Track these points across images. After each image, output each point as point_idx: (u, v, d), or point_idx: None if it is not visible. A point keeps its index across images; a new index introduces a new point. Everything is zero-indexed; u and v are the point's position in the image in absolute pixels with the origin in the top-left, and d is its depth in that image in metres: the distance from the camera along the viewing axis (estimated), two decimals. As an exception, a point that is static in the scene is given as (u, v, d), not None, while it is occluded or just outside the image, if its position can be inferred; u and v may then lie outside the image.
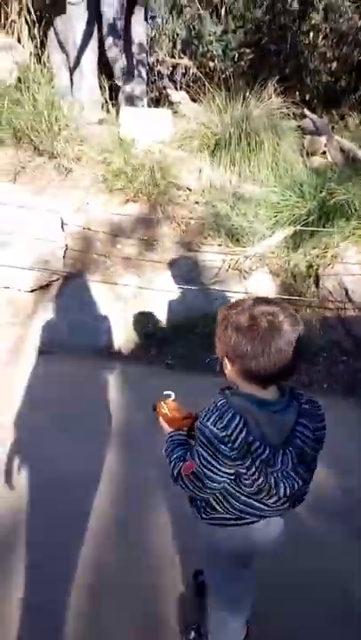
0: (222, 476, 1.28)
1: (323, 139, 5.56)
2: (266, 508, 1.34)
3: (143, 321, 3.97)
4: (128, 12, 5.63)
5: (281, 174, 4.96)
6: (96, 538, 2.24)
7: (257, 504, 1.33)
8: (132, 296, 4.10)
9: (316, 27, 7.78)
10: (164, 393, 1.54)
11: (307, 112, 5.94)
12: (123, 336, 3.89)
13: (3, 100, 5.06)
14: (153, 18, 8.41)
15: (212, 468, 1.27)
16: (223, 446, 1.23)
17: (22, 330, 3.78)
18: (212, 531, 1.44)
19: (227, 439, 1.22)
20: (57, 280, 4.12)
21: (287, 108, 5.67)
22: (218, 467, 1.26)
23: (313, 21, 7.92)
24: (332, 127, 6.08)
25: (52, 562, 2.09)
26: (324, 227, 4.23)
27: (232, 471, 1.27)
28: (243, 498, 1.33)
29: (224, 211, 4.61)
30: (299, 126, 5.76)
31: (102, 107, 6.02)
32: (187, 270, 4.26)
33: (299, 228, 4.22)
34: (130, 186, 4.71)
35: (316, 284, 4.08)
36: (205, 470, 1.28)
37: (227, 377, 1.33)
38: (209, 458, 1.26)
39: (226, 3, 8.65)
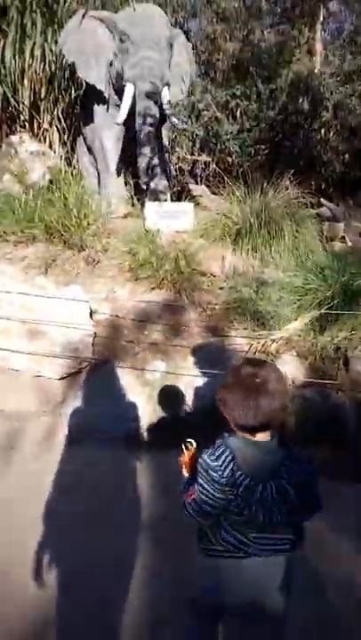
0: (215, 501, 1.50)
1: (341, 224, 5.75)
2: (249, 542, 1.54)
3: (171, 407, 3.95)
4: (159, 123, 6.13)
5: (302, 259, 5.09)
6: (129, 631, 2.12)
7: (240, 536, 1.54)
8: (160, 382, 4.11)
9: (327, 123, 8.31)
10: (187, 440, 1.74)
11: (323, 201, 6.20)
12: (151, 422, 3.86)
13: (36, 200, 5.40)
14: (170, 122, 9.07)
15: (207, 493, 1.50)
16: (214, 473, 1.49)
17: (52, 418, 3.79)
18: (205, 563, 1.64)
19: (217, 467, 1.49)
20: (86, 367, 4.17)
21: (304, 197, 5.92)
22: (211, 492, 1.49)
23: (323, 119, 8.49)
24: (349, 214, 6.29)
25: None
26: (349, 309, 4.26)
27: (223, 497, 1.48)
28: (230, 529, 1.55)
29: (248, 295, 4.70)
30: (317, 214, 5.98)
31: (128, 202, 6.38)
32: (214, 355, 4.28)
33: (324, 311, 4.27)
34: (155, 274, 4.87)
35: (346, 366, 4.06)
36: (202, 496, 1.52)
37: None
38: (204, 484, 1.51)
39: (240, 105, 9.35)
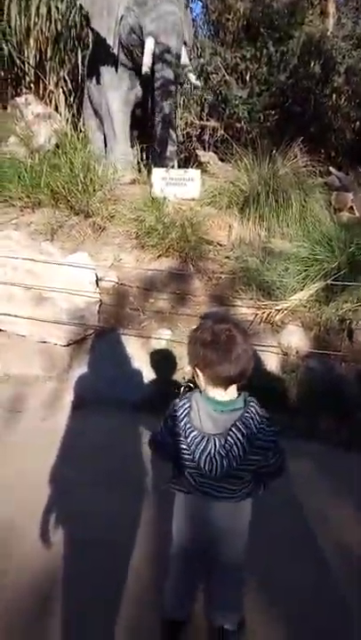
0: (166, 442, 1.69)
1: (350, 194, 5.68)
2: (196, 485, 1.67)
3: (176, 374, 3.99)
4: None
5: (310, 229, 5.05)
6: (133, 596, 2.19)
7: (189, 478, 1.67)
8: (166, 349, 4.14)
9: (339, 89, 8.10)
10: (188, 382, 1.82)
11: (332, 170, 6.10)
12: (156, 389, 3.90)
13: (42, 164, 5.34)
14: (181, 84, 8.86)
15: (162, 435, 1.70)
16: (170, 421, 1.67)
17: (58, 384, 3.84)
18: (175, 499, 1.80)
19: (175, 415, 1.65)
20: (92, 334, 4.20)
21: (313, 166, 5.83)
22: (165, 434, 1.69)
23: (335, 84, 8.27)
24: (358, 183, 6.19)
25: (91, 620, 2.05)
26: (355, 280, 4.25)
27: (172, 441, 1.65)
28: (183, 469, 1.67)
29: (254, 265, 4.69)
30: (325, 183, 5.90)
31: (134, 167, 6.30)
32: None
33: (330, 282, 4.26)
34: (162, 242, 4.85)
35: (350, 337, 4.07)
36: (158, 436, 1.73)
37: (198, 384, 1.67)
38: (163, 427, 1.70)
39: (250, 69, 9.11)
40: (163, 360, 3.99)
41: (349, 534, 2.62)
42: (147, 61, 5.73)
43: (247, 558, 1.82)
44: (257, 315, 4.24)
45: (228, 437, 1.56)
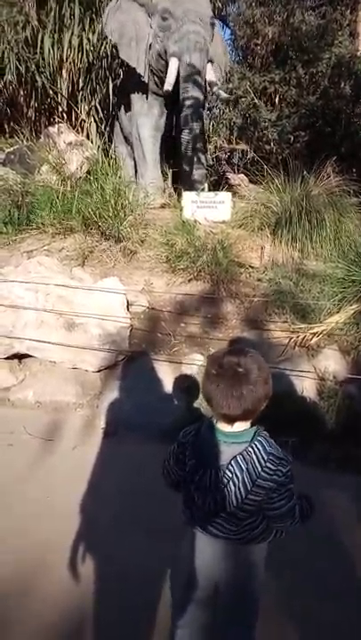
0: (171, 468, 1.66)
1: (385, 213, 5.54)
2: (191, 516, 1.61)
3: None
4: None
5: (345, 250, 4.93)
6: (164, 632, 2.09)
7: (187, 510, 1.62)
8: (197, 374, 4.05)
9: (371, 108, 8.00)
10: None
11: (366, 188, 5.97)
12: (187, 415, 3.81)
13: (74, 191, 5.40)
14: (210, 109, 8.93)
15: (169, 460, 1.67)
16: (176, 447, 1.62)
17: (89, 410, 3.79)
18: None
19: (181, 442, 1.60)
20: (123, 359, 4.15)
21: (346, 185, 5.72)
22: (171, 460, 1.65)
23: (366, 103, 8.19)
24: (394, 202, 6.04)
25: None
26: (394, 302, 4.11)
27: (177, 468, 1.62)
28: (185, 499, 1.63)
29: (288, 287, 4.60)
30: (360, 202, 5.78)
31: (165, 192, 6.32)
32: (252, 348, 4.19)
33: (367, 303, 4.12)
34: (192, 266, 4.81)
35: (390, 361, 3.91)
36: (166, 462, 1.68)
37: None
38: (170, 451, 1.66)
39: (280, 91, 9.12)
40: (194, 385, 3.90)
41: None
42: (170, 80, 5.79)
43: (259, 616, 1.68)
44: (291, 338, 4.11)
45: (227, 471, 1.46)
